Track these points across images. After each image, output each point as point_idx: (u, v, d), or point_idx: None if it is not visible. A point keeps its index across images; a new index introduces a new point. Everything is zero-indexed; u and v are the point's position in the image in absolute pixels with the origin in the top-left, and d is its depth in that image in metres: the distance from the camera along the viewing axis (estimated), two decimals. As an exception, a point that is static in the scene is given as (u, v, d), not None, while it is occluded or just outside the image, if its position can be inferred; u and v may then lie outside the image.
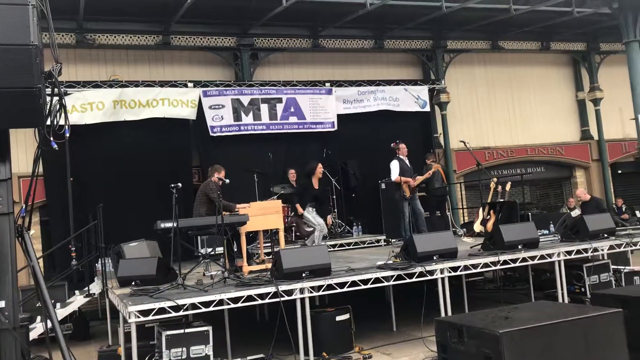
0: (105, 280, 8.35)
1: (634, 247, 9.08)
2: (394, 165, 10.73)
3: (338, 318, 7.30)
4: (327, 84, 13.31)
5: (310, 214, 9.57)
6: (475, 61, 16.18)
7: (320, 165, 9.87)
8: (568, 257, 8.38)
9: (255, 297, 6.55)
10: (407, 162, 10.88)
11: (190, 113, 11.97)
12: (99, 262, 9.02)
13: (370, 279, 7.15)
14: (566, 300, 8.21)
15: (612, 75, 17.00)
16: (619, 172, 17.45)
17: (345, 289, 7.03)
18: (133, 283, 7.25)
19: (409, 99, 13.93)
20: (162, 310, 6.11)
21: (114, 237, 9.23)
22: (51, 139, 3.83)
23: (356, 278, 7.08)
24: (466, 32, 15.34)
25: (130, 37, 12.58)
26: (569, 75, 17.44)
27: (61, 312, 8.63)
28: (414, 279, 7.37)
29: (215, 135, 12.15)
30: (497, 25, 14.82)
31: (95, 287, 9.11)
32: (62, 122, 3.95)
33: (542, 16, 14.26)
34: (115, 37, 12.46)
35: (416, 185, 10.75)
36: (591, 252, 8.59)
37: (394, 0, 12.02)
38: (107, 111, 11.33)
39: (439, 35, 15.14)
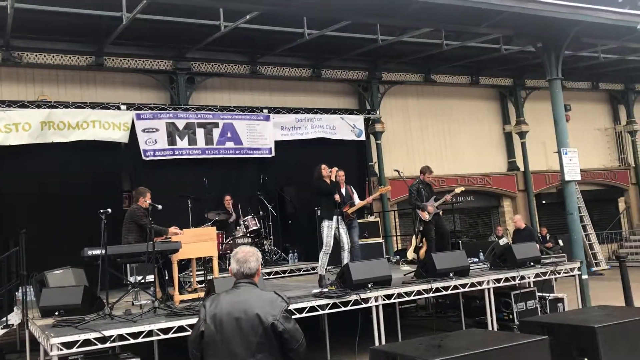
0: (26, 310, 7.87)
1: (557, 275, 9.47)
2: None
3: (272, 348, 7.18)
4: (265, 111, 13.29)
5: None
6: (409, 93, 16.66)
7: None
8: (497, 284, 8.62)
9: (187, 327, 6.35)
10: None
11: (122, 136, 11.62)
12: (20, 290, 8.52)
13: (306, 307, 7.10)
14: (495, 327, 8.42)
15: (537, 110, 17.90)
16: (543, 202, 18.27)
17: (280, 318, 6.93)
18: (56, 313, 6.91)
19: (345, 127, 14.13)
20: (87, 342, 5.83)
21: (38, 264, 8.72)
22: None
23: (291, 307, 7.00)
24: (400, 65, 15.81)
25: (61, 56, 12.16)
26: (497, 108, 18.23)
27: (-25, 345, 8.07)
28: (349, 307, 7.37)
29: (148, 159, 11.82)
30: (430, 59, 15.39)
31: (14, 318, 8.57)
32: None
33: (472, 52, 14.92)
34: (44, 56, 12.01)
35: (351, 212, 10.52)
36: (519, 280, 8.89)
37: (331, 31, 12.24)
38: (34, 132, 10.84)
39: (375, 66, 15.52)
